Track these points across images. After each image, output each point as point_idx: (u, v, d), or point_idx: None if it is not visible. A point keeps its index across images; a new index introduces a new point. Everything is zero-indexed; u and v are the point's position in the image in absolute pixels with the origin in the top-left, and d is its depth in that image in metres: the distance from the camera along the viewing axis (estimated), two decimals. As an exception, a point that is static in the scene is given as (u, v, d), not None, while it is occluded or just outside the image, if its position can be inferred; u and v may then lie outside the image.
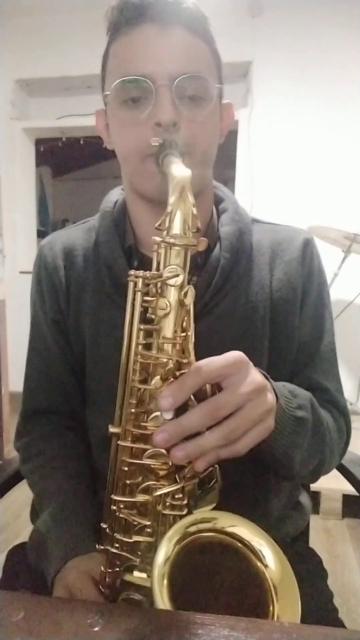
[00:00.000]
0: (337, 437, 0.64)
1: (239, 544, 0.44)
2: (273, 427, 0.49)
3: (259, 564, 0.43)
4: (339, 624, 0.62)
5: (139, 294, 0.48)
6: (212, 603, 0.44)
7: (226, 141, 0.69)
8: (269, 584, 0.41)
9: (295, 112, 2.71)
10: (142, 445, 0.46)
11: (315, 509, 1.89)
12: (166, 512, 0.46)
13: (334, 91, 2.65)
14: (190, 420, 0.42)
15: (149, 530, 0.47)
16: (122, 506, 0.48)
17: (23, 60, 3.03)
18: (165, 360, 0.45)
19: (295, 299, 0.66)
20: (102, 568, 0.50)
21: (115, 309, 0.64)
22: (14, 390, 2.38)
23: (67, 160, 4.87)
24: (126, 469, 0.48)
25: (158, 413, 0.45)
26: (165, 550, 0.41)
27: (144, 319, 0.48)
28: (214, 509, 0.47)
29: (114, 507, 0.49)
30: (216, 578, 0.45)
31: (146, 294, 0.47)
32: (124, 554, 0.48)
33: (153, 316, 0.47)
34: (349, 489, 0.78)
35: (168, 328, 0.45)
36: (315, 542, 1.69)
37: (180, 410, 0.44)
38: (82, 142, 3.66)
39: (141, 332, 0.48)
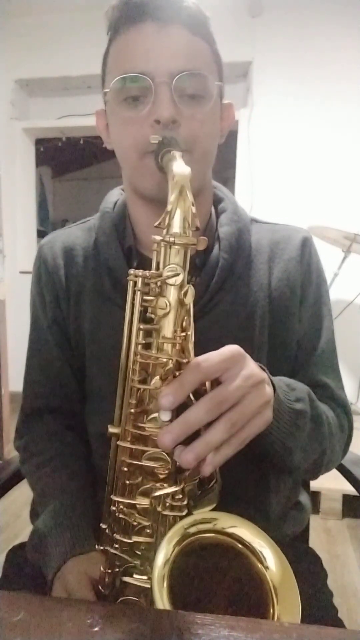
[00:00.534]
0: (338, 432, 0.64)
1: (240, 545, 0.44)
2: (271, 419, 0.49)
3: (259, 565, 0.43)
4: (339, 624, 0.62)
5: (138, 294, 0.48)
6: (212, 604, 0.44)
7: (226, 141, 0.69)
8: (269, 585, 0.41)
9: (295, 112, 2.71)
10: (141, 446, 0.46)
11: (315, 509, 1.89)
12: (166, 512, 0.46)
13: (333, 91, 2.65)
14: (196, 415, 0.42)
15: (148, 530, 0.47)
16: (121, 507, 0.48)
17: (23, 60, 3.03)
18: (164, 360, 0.45)
19: (294, 297, 0.66)
20: (102, 568, 0.50)
21: (115, 308, 0.64)
22: (14, 390, 2.38)
23: (67, 160, 4.87)
24: (126, 469, 0.48)
25: (157, 414, 0.45)
26: (165, 552, 0.41)
27: (144, 319, 0.48)
28: (213, 509, 0.46)
29: (114, 508, 0.49)
30: (216, 579, 0.45)
31: (146, 293, 0.47)
32: (123, 555, 0.48)
33: (153, 316, 0.47)
34: (349, 489, 0.78)
35: (168, 328, 0.45)
36: (315, 542, 1.69)
37: (179, 410, 0.43)
38: (82, 142, 3.66)
39: (141, 332, 0.48)
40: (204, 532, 0.44)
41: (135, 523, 0.47)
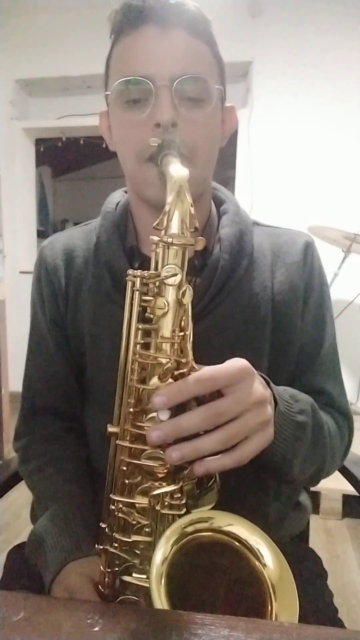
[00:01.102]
0: (338, 441, 0.64)
1: (237, 543, 0.44)
2: (272, 437, 0.49)
3: (256, 562, 0.43)
4: (339, 624, 0.62)
5: (137, 294, 0.48)
6: (209, 602, 0.44)
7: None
8: (267, 582, 0.41)
9: (295, 112, 2.71)
10: (140, 446, 0.46)
11: (315, 509, 1.88)
12: (165, 511, 0.46)
13: (334, 91, 2.65)
14: (189, 421, 0.42)
15: (147, 529, 0.47)
16: (120, 506, 0.48)
17: (23, 60, 3.03)
18: (163, 359, 0.45)
19: (297, 301, 0.66)
20: (102, 568, 0.50)
21: (115, 308, 0.64)
22: (14, 390, 2.38)
23: (67, 160, 4.87)
24: (125, 468, 0.48)
25: (155, 414, 0.45)
26: (163, 550, 0.41)
27: (143, 319, 0.48)
28: (212, 508, 0.47)
29: (113, 507, 0.49)
30: (214, 577, 0.45)
31: (145, 293, 0.48)
32: (122, 554, 0.48)
33: (151, 316, 0.47)
34: (349, 489, 0.78)
35: (166, 327, 0.45)
36: (315, 542, 1.69)
37: (178, 411, 0.43)
38: (82, 142, 3.66)
39: (139, 332, 0.48)
40: (202, 530, 0.44)
41: (134, 522, 0.48)
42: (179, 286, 0.45)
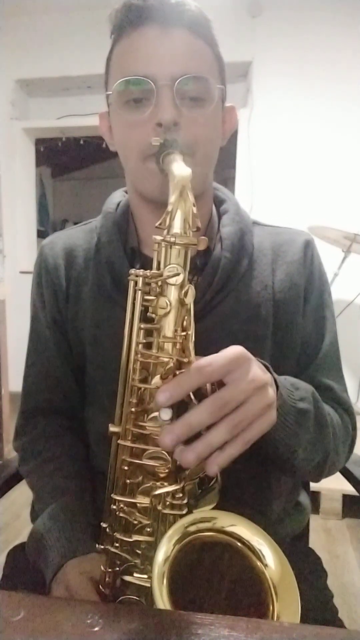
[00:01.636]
0: (342, 434, 0.64)
1: (239, 544, 0.44)
2: (275, 420, 0.49)
3: (258, 563, 0.43)
4: (339, 624, 0.62)
5: (139, 293, 0.48)
6: (211, 602, 0.44)
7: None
8: (269, 583, 0.41)
9: (295, 112, 2.71)
10: (142, 445, 0.46)
11: (315, 509, 1.89)
12: (166, 511, 0.46)
13: (334, 91, 2.65)
14: (198, 417, 0.42)
15: (149, 529, 0.47)
16: (122, 505, 0.48)
17: (23, 60, 3.03)
18: (165, 359, 0.45)
19: (297, 300, 0.66)
20: (102, 567, 0.50)
21: (116, 308, 0.64)
22: (14, 390, 2.38)
23: (67, 160, 4.87)
24: (126, 468, 0.48)
25: (157, 413, 0.45)
26: (165, 550, 0.41)
27: (145, 318, 0.48)
28: (214, 508, 0.47)
29: (114, 507, 0.49)
30: (216, 577, 0.45)
31: (147, 293, 0.48)
32: (124, 554, 0.48)
33: (153, 315, 0.47)
34: (349, 489, 0.78)
35: (168, 327, 0.45)
36: (315, 542, 1.69)
37: (180, 411, 0.43)
38: (82, 142, 3.66)
39: (141, 331, 0.48)
40: (204, 530, 0.44)
41: (135, 522, 0.48)
42: (181, 286, 0.45)
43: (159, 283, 0.46)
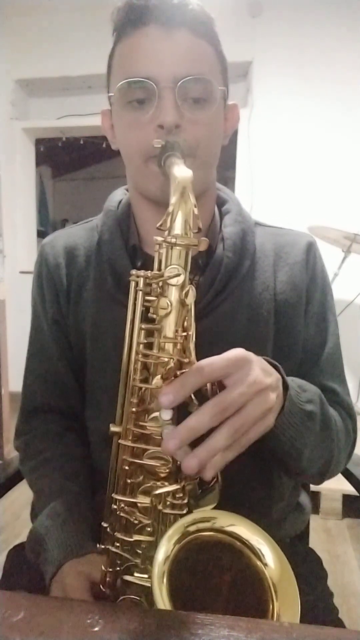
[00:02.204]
0: (344, 437, 0.64)
1: (239, 543, 0.44)
2: (272, 425, 0.49)
3: (258, 562, 0.43)
4: (339, 624, 0.62)
5: (140, 293, 0.48)
6: (211, 602, 0.45)
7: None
8: (269, 582, 0.41)
9: (295, 112, 2.71)
10: (143, 445, 0.46)
11: (315, 509, 1.88)
12: (167, 511, 0.46)
13: (334, 91, 2.65)
14: (200, 421, 0.42)
15: (149, 529, 0.47)
16: (122, 505, 0.48)
17: (23, 60, 3.03)
18: (166, 359, 0.45)
19: (299, 302, 0.66)
20: (103, 567, 0.50)
21: (117, 307, 0.64)
22: (14, 390, 2.38)
23: (67, 160, 4.87)
24: (127, 468, 0.48)
25: (158, 413, 0.45)
26: (165, 550, 0.41)
27: (145, 318, 0.48)
28: (214, 508, 0.47)
29: (115, 506, 0.49)
30: (216, 577, 0.45)
31: (148, 293, 0.48)
32: (124, 554, 0.48)
33: (154, 315, 0.47)
34: (349, 489, 0.78)
35: (169, 327, 0.45)
36: (315, 542, 1.68)
37: (180, 410, 0.43)
38: (82, 142, 3.66)
39: (142, 332, 0.48)
40: (204, 530, 0.44)
41: (136, 521, 0.48)
42: (182, 286, 0.45)
43: (160, 284, 0.46)
